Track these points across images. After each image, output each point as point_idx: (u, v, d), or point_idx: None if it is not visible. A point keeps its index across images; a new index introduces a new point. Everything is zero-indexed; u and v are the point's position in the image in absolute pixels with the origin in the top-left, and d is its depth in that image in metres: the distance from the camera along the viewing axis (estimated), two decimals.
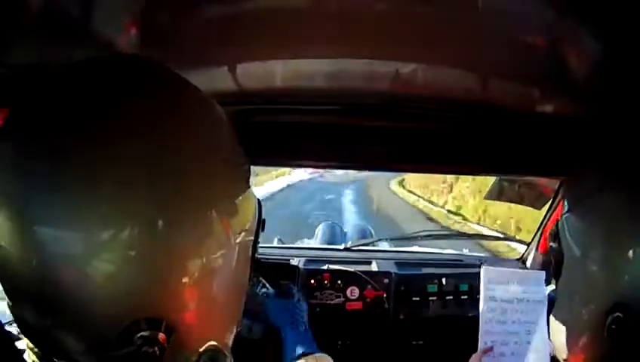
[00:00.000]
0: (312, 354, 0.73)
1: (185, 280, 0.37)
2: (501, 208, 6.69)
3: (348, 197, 10.60)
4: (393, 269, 1.32)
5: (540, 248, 1.26)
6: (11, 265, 0.35)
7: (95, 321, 0.35)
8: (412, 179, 12.35)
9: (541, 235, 1.27)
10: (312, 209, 7.90)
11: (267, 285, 0.79)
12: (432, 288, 1.29)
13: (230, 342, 0.46)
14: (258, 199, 0.48)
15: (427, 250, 1.67)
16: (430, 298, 1.28)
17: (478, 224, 7.58)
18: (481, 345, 0.77)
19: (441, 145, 0.92)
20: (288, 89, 0.83)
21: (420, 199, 11.03)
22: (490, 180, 1.43)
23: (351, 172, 10.59)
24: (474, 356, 0.77)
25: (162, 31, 0.60)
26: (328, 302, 1.26)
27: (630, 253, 0.51)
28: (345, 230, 2.00)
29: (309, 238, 2.04)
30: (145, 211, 0.35)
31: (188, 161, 0.37)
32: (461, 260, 1.47)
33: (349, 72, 0.77)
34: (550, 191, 1.23)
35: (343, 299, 1.27)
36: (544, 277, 0.80)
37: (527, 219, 5.05)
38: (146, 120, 0.36)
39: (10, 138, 0.36)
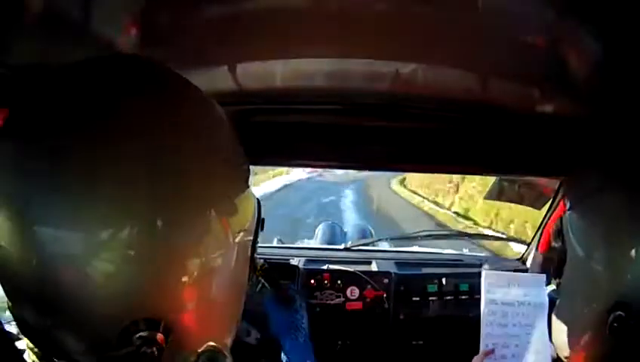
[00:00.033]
0: None
1: (184, 280, 0.37)
2: (515, 211, 6.11)
3: (348, 198, 10.15)
4: (393, 269, 1.32)
5: (539, 248, 1.26)
6: (11, 265, 0.35)
7: (95, 321, 0.35)
8: (414, 178, 11.82)
9: (541, 235, 1.27)
10: (309, 211, 7.50)
11: (267, 285, 0.79)
12: (432, 288, 1.29)
13: (229, 342, 0.46)
14: (258, 198, 0.49)
15: (427, 250, 1.67)
16: (430, 298, 1.28)
17: (490, 228, 6.78)
18: (482, 348, 0.78)
19: (441, 145, 0.92)
20: (288, 89, 0.83)
21: (425, 200, 10.27)
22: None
23: (350, 171, 9.95)
24: (475, 358, 0.77)
25: (162, 31, 0.60)
26: (328, 302, 1.26)
27: (632, 252, 0.51)
28: (345, 230, 2.00)
29: (308, 238, 2.05)
30: (144, 211, 0.35)
31: (188, 161, 0.37)
32: (461, 260, 1.47)
33: (349, 72, 0.77)
34: (550, 191, 1.23)
35: (343, 299, 1.27)
36: (544, 281, 0.80)
37: None
38: (146, 120, 0.36)
39: (10, 138, 0.36)
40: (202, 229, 0.38)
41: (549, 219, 1.23)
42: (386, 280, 1.28)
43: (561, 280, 0.64)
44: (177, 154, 0.37)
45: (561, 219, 0.63)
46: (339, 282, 1.27)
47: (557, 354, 0.67)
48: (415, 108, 0.86)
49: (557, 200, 1.19)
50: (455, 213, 8.58)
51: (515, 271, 1.33)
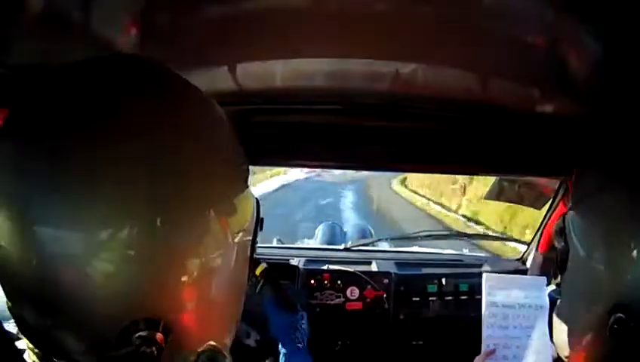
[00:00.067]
0: None
1: (183, 279, 0.37)
2: (531, 214, 4.97)
3: (347, 198, 9.85)
4: (393, 269, 1.32)
5: (539, 248, 1.26)
6: (11, 265, 0.35)
7: (94, 321, 0.35)
8: (416, 178, 11.34)
9: (541, 235, 1.27)
10: (306, 213, 7.16)
11: (267, 286, 0.79)
12: (432, 288, 1.29)
13: (229, 342, 0.46)
14: (257, 198, 0.49)
15: (427, 250, 1.67)
16: (430, 298, 1.28)
17: (505, 234, 5.71)
18: (483, 349, 0.78)
19: (441, 145, 0.92)
20: (288, 89, 0.83)
21: (429, 202, 9.71)
22: None
23: (349, 171, 9.39)
24: (477, 358, 0.77)
25: (162, 31, 0.60)
26: (328, 302, 1.26)
27: (632, 253, 0.51)
28: (345, 230, 2.01)
29: (308, 238, 2.05)
30: (144, 211, 0.35)
31: (187, 161, 0.37)
32: (461, 260, 1.47)
33: (349, 72, 0.77)
34: (550, 191, 1.23)
35: (343, 299, 1.27)
36: (545, 283, 0.81)
37: None
38: (146, 120, 0.36)
39: (10, 138, 0.36)
40: (202, 229, 0.38)
41: (549, 219, 1.23)
42: (386, 281, 1.28)
43: (561, 280, 0.64)
44: (177, 155, 0.37)
45: (563, 218, 0.63)
46: (339, 282, 1.27)
47: (557, 355, 0.67)
48: (415, 108, 0.86)
49: (557, 200, 1.19)
50: (464, 216, 8.06)
51: (515, 271, 1.33)
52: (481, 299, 0.81)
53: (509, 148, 0.91)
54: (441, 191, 9.88)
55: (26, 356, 0.39)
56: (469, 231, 6.43)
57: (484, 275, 0.80)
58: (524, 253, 1.42)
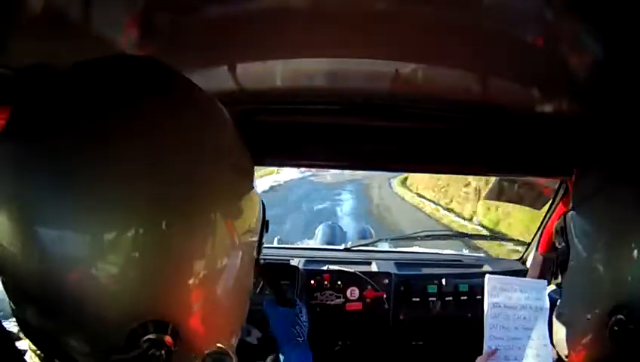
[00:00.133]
0: None
1: (191, 282, 0.37)
2: None
3: (345, 201, 8.97)
4: (393, 270, 1.32)
5: (539, 248, 1.26)
6: (14, 267, 0.35)
7: (100, 324, 0.35)
8: (419, 180, 10.24)
9: (541, 236, 1.27)
10: (294, 226, 6.04)
11: (266, 286, 0.79)
12: (432, 288, 1.29)
13: (235, 343, 0.46)
14: (262, 200, 0.48)
15: (427, 251, 1.67)
16: (430, 298, 1.28)
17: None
18: (485, 350, 0.78)
19: (441, 145, 0.92)
20: (288, 89, 0.83)
21: (439, 208, 8.39)
22: None
23: (347, 171, 8.38)
24: (479, 358, 0.77)
25: (162, 31, 0.60)
26: (328, 302, 1.26)
27: (633, 254, 0.51)
28: (345, 230, 2.00)
29: (308, 238, 2.04)
30: (150, 212, 0.35)
31: (193, 162, 0.37)
32: (461, 260, 1.47)
33: (349, 72, 0.77)
34: (550, 191, 1.23)
35: (342, 300, 1.27)
36: (546, 285, 0.82)
37: None
38: (152, 121, 0.36)
39: (13, 138, 0.35)
40: (208, 231, 0.38)
41: (549, 219, 1.23)
42: (386, 281, 1.28)
43: (561, 280, 0.64)
44: (183, 156, 0.36)
45: (564, 218, 0.63)
46: (339, 283, 1.27)
47: (557, 355, 0.67)
48: (415, 108, 0.86)
49: (557, 200, 1.19)
50: (482, 226, 6.74)
51: (515, 271, 1.33)
52: (481, 300, 0.81)
53: (509, 148, 0.91)
54: (451, 196, 8.75)
55: (27, 357, 0.39)
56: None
57: (487, 277, 0.81)
58: (524, 253, 1.42)
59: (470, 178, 6.99)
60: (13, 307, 0.37)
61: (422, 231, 1.61)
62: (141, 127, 0.35)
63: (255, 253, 0.47)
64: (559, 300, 0.67)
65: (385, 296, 1.27)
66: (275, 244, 1.77)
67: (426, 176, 9.01)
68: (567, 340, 0.62)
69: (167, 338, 0.35)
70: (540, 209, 1.30)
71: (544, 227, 1.25)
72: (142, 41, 0.60)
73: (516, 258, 1.46)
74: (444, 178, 8.48)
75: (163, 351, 0.35)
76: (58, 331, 0.36)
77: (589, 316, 0.56)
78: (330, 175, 11.37)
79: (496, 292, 0.80)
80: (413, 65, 0.71)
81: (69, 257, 0.33)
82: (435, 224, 7.32)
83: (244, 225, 0.42)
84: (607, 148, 0.60)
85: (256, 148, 0.47)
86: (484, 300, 0.80)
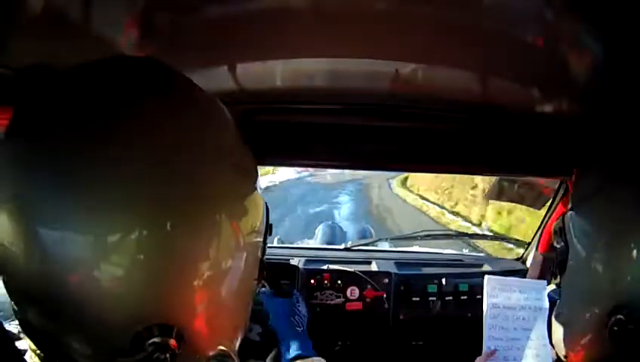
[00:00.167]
0: (308, 357, 0.73)
1: (196, 284, 0.37)
2: None
3: (344, 206, 8.46)
4: (393, 269, 1.32)
5: (539, 248, 1.26)
6: (18, 269, 0.34)
7: (104, 326, 0.35)
8: (421, 181, 9.86)
9: (540, 235, 1.27)
10: (287, 232, 5.31)
11: (266, 285, 0.79)
12: (432, 288, 1.29)
13: (237, 345, 0.46)
14: (265, 201, 0.48)
15: (427, 250, 1.67)
16: (430, 298, 1.28)
17: None
18: (485, 350, 0.78)
19: (441, 145, 0.92)
20: (288, 89, 0.83)
21: (445, 211, 7.85)
22: None
23: (346, 171, 8.70)
24: (478, 359, 0.77)
25: (162, 31, 0.60)
26: (328, 302, 1.26)
27: (632, 254, 0.51)
28: (345, 230, 2.00)
29: (308, 238, 2.04)
30: (152, 213, 0.34)
31: (197, 163, 0.37)
32: (461, 260, 1.47)
33: (349, 72, 0.77)
34: (550, 191, 1.23)
35: (342, 299, 1.27)
36: (545, 285, 0.82)
37: None
38: (155, 122, 0.36)
39: (14, 138, 0.35)
40: (213, 232, 0.38)
41: (549, 219, 1.23)
42: (386, 281, 1.28)
43: (561, 280, 0.64)
44: (187, 157, 0.36)
45: (563, 218, 0.63)
46: (339, 282, 1.27)
47: (557, 355, 0.67)
48: (415, 108, 0.86)
49: (557, 200, 1.19)
50: (491, 231, 6.06)
51: (515, 271, 1.33)
52: (481, 299, 0.81)
53: (509, 148, 0.92)
54: (456, 199, 8.26)
55: (27, 357, 0.39)
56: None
57: (486, 277, 0.81)
58: (524, 253, 1.42)
59: (477, 180, 6.82)
60: (15, 308, 0.37)
61: (422, 231, 1.61)
62: (141, 127, 0.35)
63: (260, 254, 0.46)
64: (558, 300, 0.67)
65: (385, 295, 1.27)
66: (276, 244, 1.77)
67: (428, 176, 8.79)
68: (566, 340, 0.62)
69: (172, 342, 0.35)
70: (540, 209, 1.30)
71: (544, 227, 1.25)
72: (142, 41, 0.60)
73: (516, 258, 1.47)
74: (447, 179, 8.24)
75: (168, 355, 0.35)
76: (60, 332, 0.36)
77: (588, 316, 0.56)
78: (330, 175, 11.23)
79: (495, 293, 0.80)
80: (413, 65, 0.71)
81: (71, 258, 0.33)
82: (441, 229, 6.33)
83: (248, 226, 0.42)
84: (607, 148, 0.60)
85: (256, 148, 0.47)
86: (483, 300, 0.80)
